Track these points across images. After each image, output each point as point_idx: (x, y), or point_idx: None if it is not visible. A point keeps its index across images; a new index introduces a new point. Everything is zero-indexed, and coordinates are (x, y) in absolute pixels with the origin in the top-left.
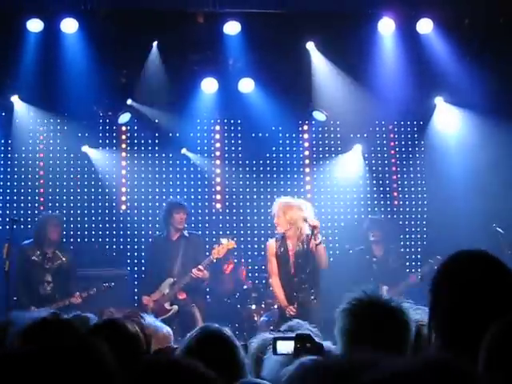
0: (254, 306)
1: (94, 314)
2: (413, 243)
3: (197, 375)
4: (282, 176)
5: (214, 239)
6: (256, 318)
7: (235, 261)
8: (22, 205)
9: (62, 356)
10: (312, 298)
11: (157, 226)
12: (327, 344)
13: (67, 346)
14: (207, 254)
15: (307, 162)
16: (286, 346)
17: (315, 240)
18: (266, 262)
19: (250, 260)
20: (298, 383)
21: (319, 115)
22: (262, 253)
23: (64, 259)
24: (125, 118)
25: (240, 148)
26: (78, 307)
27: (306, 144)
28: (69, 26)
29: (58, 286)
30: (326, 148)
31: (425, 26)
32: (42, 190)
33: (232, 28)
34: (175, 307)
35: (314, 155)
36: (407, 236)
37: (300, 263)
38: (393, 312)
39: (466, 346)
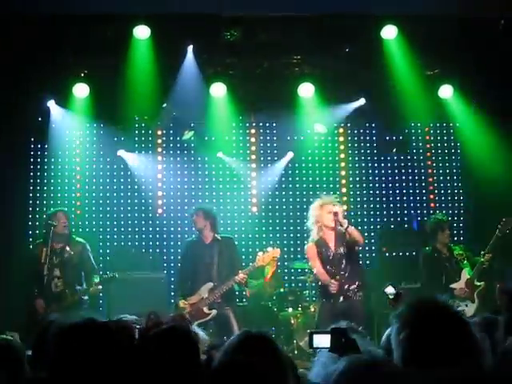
0: (290, 309)
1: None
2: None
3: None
4: (317, 179)
5: (250, 242)
6: (293, 321)
7: (278, 264)
8: (67, 209)
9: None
10: (357, 292)
11: (193, 229)
12: (368, 345)
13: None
14: (243, 257)
15: (343, 164)
16: (322, 340)
17: (342, 226)
18: (309, 261)
19: (285, 263)
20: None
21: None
22: (299, 256)
23: (72, 252)
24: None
25: (275, 151)
26: None
27: (342, 147)
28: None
29: (67, 280)
30: (362, 151)
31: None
32: (78, 194)
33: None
34: (214, 311)
35: (350, 158)
36: None
37: (342, 264)
38: (454, 320)
39: None
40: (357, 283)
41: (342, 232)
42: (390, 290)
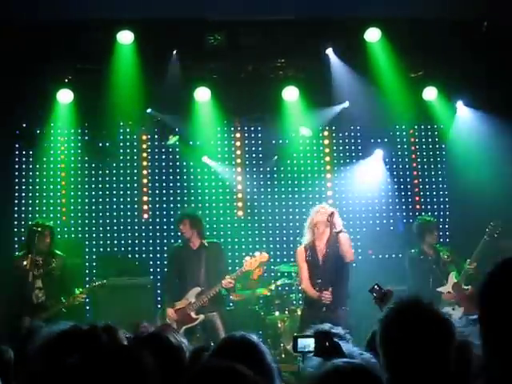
0: (277, 313)
1: (123, 326)
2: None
3: (251, 380)
4: (303, 182)
5: (236, 246)
6: (280, 325)
7: (265, 268)
8: (52, 215)
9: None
10: (340, 304)
11: (179, 234)
12: (351, 348)
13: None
14: (230, 261)
15: (328, 167)
16: (306, 344)
17: (334, 228)
18: (297, 269)
19: (272, 267)
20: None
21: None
22: (285, 259)
23: (54, 264)
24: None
25: (261, 155)
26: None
27: (327, 150)
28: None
29: (49, 292)
30: (347, 153)
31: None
32: (63, 201)
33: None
34: (201, 316)
35: (335, 161)
36: None
37: (328, 268)
38: (438, 321)
39: None
40: (335, 297)
41: (334, 238)
42: (375, 289)
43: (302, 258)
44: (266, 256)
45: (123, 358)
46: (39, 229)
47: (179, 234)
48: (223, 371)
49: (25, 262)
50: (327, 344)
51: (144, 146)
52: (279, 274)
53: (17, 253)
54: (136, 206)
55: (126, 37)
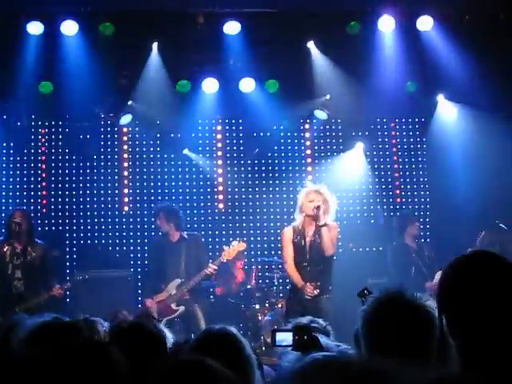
0: (257, 306)
1: (102, 317)
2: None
3: (220, 374)
4: (284, 175)
5: (217, 239)
6: (260, 318)
7: (245, 260)
8: (32, 207)
9: (73, 359)
10: (323, 293)
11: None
12: (328, 341)
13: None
14: (210, 253)
15: (309, 160)
16: (284, 338)
17: (318, 221)
18: (281, 249)
19: (252, 259)
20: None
21: (320, 114)
22: (265, 252)
23: (34, 254)
24: (126, 119)
25: (242, 148)
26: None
27: (308, 143)
28: (69, 28)
29: (28, 283)
30: (328, 146)
31: (425, 23)
32: (44, 193)
33: (232, 28)
34: (182, 308)
35: (316, 154)
36: None
37: (314, 255)
38: (418, 311)
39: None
40: (319, 284)
41: (319, 229)
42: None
43: (290, 239)
44: (243, 245)
45: (91, 355)
46: (14, 214)
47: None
48: (191, 366)
49: (6, 250)
50: (305, 338)
51: (125, 139)
52: (260, 267)
53: None
54: (116, 198)
55: (106, 29)
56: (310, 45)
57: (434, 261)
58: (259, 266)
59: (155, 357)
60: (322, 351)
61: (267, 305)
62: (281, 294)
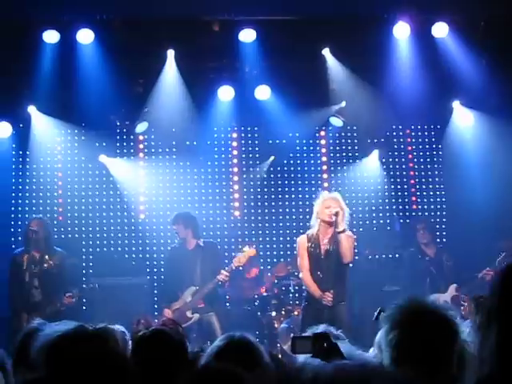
0: (274, 313)
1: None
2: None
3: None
4: (299, 182)
5: (233, 247)
6: (276, 325)
7: (261, 268)
8: (49, 215)
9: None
10: (339, 300)
11: (176, 235)
12: (351, 348)
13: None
14: (226, 261)
15: (325, 167)
16: (304, 346)
17: (337, 228)
18: (297, 258)
19: (269, 267)
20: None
21: (336, 121)
22: (282, 259)
23: (51, 262)
24: (142, 127)
25: (257, 155)
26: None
27: (324, 150)
28: (85, 36)
29: (46, 291)
30: (344, 154)
31: (440, 30)
32: (60, 201)
33: (247, 35)
34: (196, 315)
35: (332, 161)
36: None
37: (330, 263)
38: (443, 322)
39: None
40: (334, 291)
41: (337, 236)
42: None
43: (304, 247)
44: (253, 251)
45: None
46: (31, 223)
47: (176, 234)
48: (222, 374)
49: (23, 259)
50: (325, 345)
51: (141, 146)
52: (276, 274)
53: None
54: (133, 206)
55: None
56: (325, 52)
57: (451, 270)
58: (275, 274)
59: (179, 365)
60: (343, 359)
61: (283, 312)
62: (297, 302)
